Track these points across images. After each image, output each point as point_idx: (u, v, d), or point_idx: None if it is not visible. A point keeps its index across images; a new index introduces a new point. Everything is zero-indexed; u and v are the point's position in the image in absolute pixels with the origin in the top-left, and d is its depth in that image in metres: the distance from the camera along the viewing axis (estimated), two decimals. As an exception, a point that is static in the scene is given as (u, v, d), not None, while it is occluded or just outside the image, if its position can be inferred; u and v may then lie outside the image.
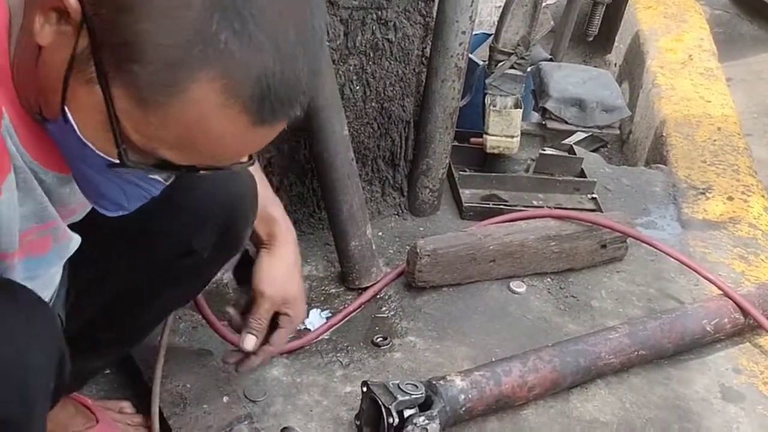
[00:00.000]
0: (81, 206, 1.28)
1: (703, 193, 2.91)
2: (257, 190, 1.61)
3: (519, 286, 2.38)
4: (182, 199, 1.45)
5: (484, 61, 2.74)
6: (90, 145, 1.02)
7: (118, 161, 1.01)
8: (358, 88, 2.33)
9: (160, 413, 1.80)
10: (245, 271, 1.72)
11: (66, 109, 1.00)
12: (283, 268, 1.70)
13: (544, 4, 2.51)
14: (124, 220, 1.18)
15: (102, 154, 1.02)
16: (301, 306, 1.74)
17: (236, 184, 1.56)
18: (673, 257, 2.44)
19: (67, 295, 1.51)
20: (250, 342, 1.69)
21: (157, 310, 1.72)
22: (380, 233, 2.53)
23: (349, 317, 2.23)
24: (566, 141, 2.86)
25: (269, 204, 1.68)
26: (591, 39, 2.78)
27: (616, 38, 4.45)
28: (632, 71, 4.04)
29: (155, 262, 1.57)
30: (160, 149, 1.00)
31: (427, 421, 1.77)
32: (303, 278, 1.81)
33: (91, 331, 1.61)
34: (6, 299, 1.16)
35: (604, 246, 2.47)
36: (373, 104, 2.38)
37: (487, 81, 2.61)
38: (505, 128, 2.61)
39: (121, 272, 1.57)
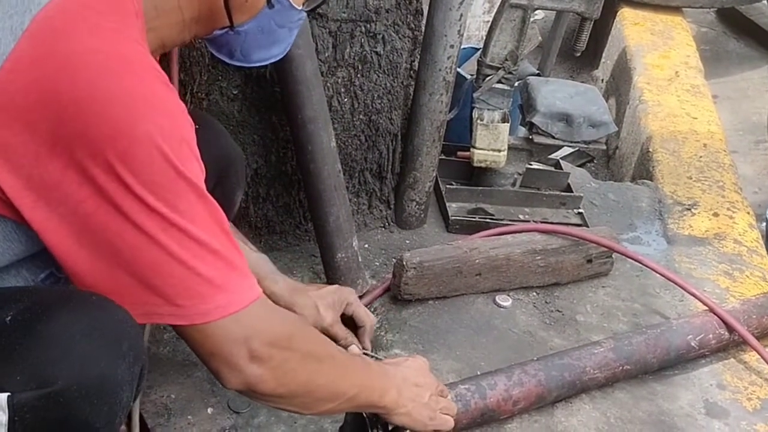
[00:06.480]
0: None
1: (689, 209, 2.92)
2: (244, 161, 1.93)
3: (505, 300, 2.39)
4: None
5: (471, 75, 2.75)
6: (293, 4, 1.45)
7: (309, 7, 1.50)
8: (346, 100, 2.33)
9: (145, 424, 1.79)
10: None
11: None
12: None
13: (532, 19, 2.52)
14: None
15: (298, 7, 1.47)
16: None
17: (229, 146, 1.79)
18: (658, 273, 2.44)
19: None
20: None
21: None
22: (366, 245, 2.53)
23: (334, 329, 2.22)
24: (553, 156, 2.87)
25: None
26: (578, 54, 2.79)
27: (604, 54, 4.48)
28: (619, 87, 4.06)
29: None
30: None
31: (411, 434, 1.77)
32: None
33: None
34: (98, 315, 1.24)
35: (589, 261, 2.48)
36: (361, 116, 2.38)
37: (474, 95, 2.62)
38: (492, 142, 2.62)
39: None
